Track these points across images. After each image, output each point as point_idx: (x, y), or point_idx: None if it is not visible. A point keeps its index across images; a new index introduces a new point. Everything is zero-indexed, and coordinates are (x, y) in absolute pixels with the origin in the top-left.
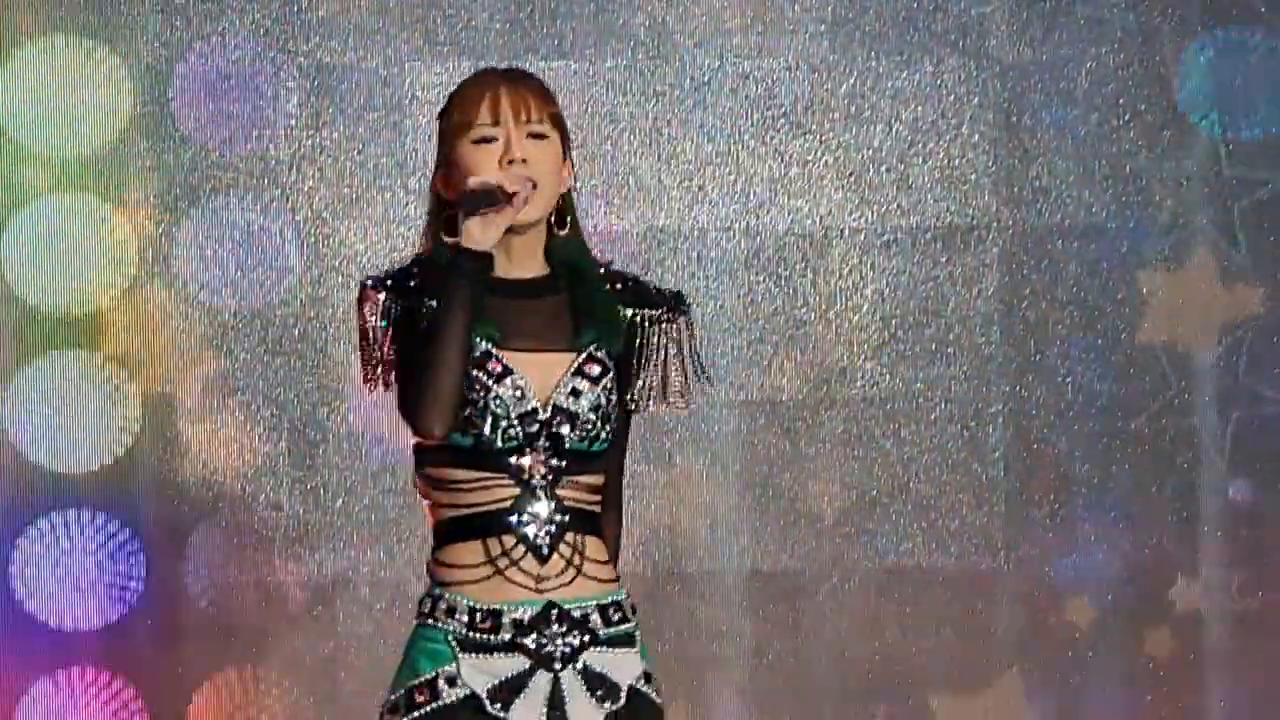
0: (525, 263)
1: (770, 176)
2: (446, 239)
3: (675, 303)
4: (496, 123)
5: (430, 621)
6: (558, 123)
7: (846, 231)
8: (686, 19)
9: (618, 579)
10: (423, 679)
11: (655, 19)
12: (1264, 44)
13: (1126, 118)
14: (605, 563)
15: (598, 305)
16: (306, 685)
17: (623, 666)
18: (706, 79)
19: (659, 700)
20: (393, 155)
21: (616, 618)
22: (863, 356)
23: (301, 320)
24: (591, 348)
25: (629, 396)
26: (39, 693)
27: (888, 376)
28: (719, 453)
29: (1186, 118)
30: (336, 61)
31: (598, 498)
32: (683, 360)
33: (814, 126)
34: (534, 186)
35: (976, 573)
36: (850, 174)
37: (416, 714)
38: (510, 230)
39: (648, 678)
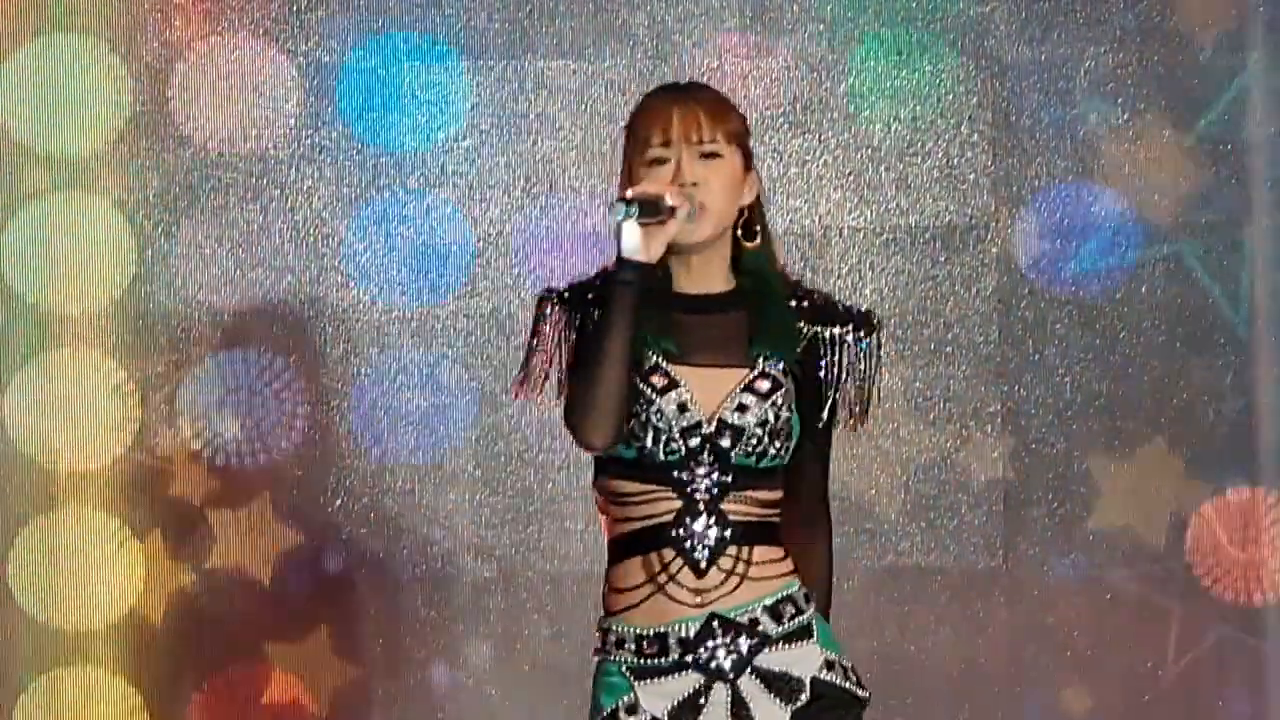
0: (706, 278)
1: (769, 176)
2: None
3: (861, 321)
4: (668, 144)
5: (606, 655)
6: (735, 139)
7: (845, 231)
8: (686, 19)
9: (792, 571)
10: (605, 713)
11: (655, 18)
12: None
13: (1126, 118)
14: (777, 561)
15: (776, 321)
16: (307, 685)
17: (802, 660)
18: (705, 78)
19: (847, 684)
20: (392, 155)
21: (789, 612)
22: None
23: (302, 320)
24: (764, 363)
25: (817, 414)
26: (39, 692)
27: (886, 376)
28: None
29: (1185, 117)
30: (336, 61)
31: (772, 511)
32: (864, 380)
33: (813, 126)
34: (702, 208)
35: (975, 572)
36: (849, 173)
37: None
38: (687, 248)
39: (829, 665)
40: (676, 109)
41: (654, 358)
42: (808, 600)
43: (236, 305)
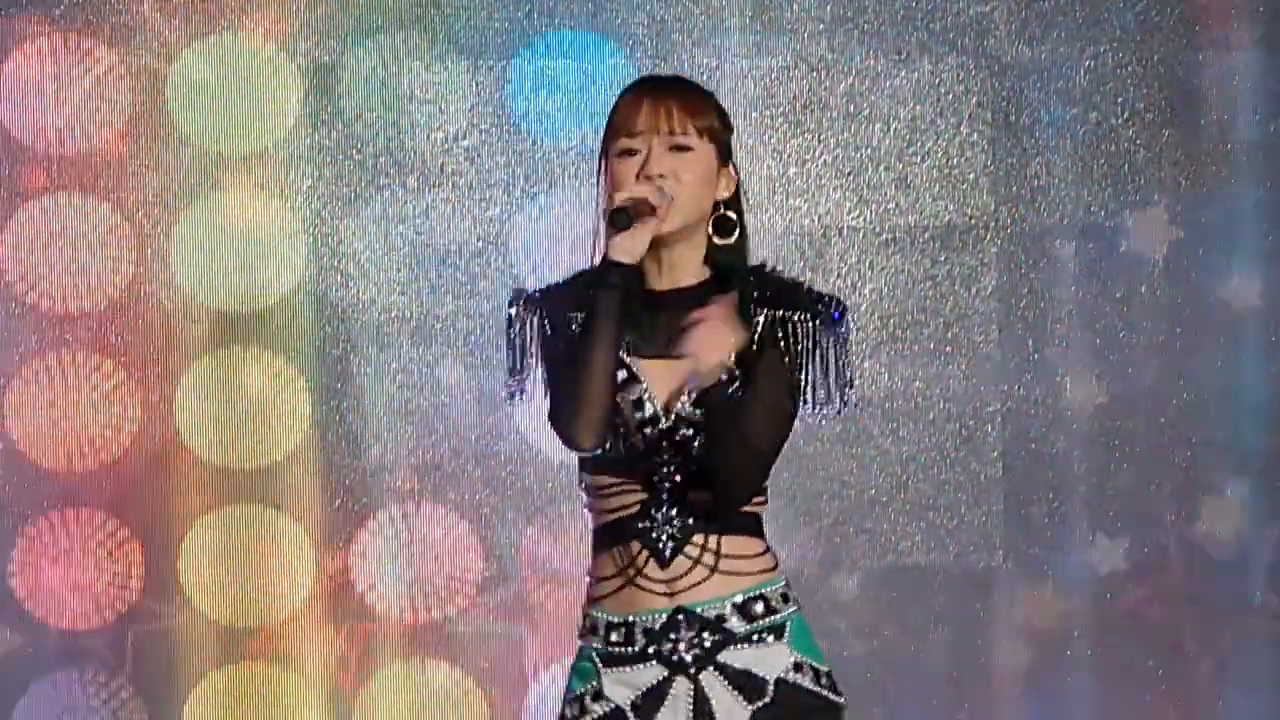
0: (675, 272)
1: (769, 175)
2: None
3: (822, 307)
4: (636, 134)
5: (582, 641)
6: (708, 133)
7: (845, 230)
8: (685, 18)
9: (772, 569)
10: (573, 695)
11: (654, 18)
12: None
13: (1125, 117)
14: (754, 556)
15: (737, 311)
16: (307, 685)
17: (767, 660)
18: (705, 78)
19: (817, 687)
20: (392, 155)
21: (759, 610)
22: (861, 355)
23: (301, 320)
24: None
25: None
26: (39, 693)
27: (886, 375)
28: None
29: (1185, 117)
30: (336, 61)
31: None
32: (824, 364)
33: (812, 125)
34: (669, 201)
35: (975, 571)
36: (849, 173)
37: None
38: (657, 241)
39: (799, 667)
40: (648, 100)
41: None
42: (786, 600)
43: (236, 305)
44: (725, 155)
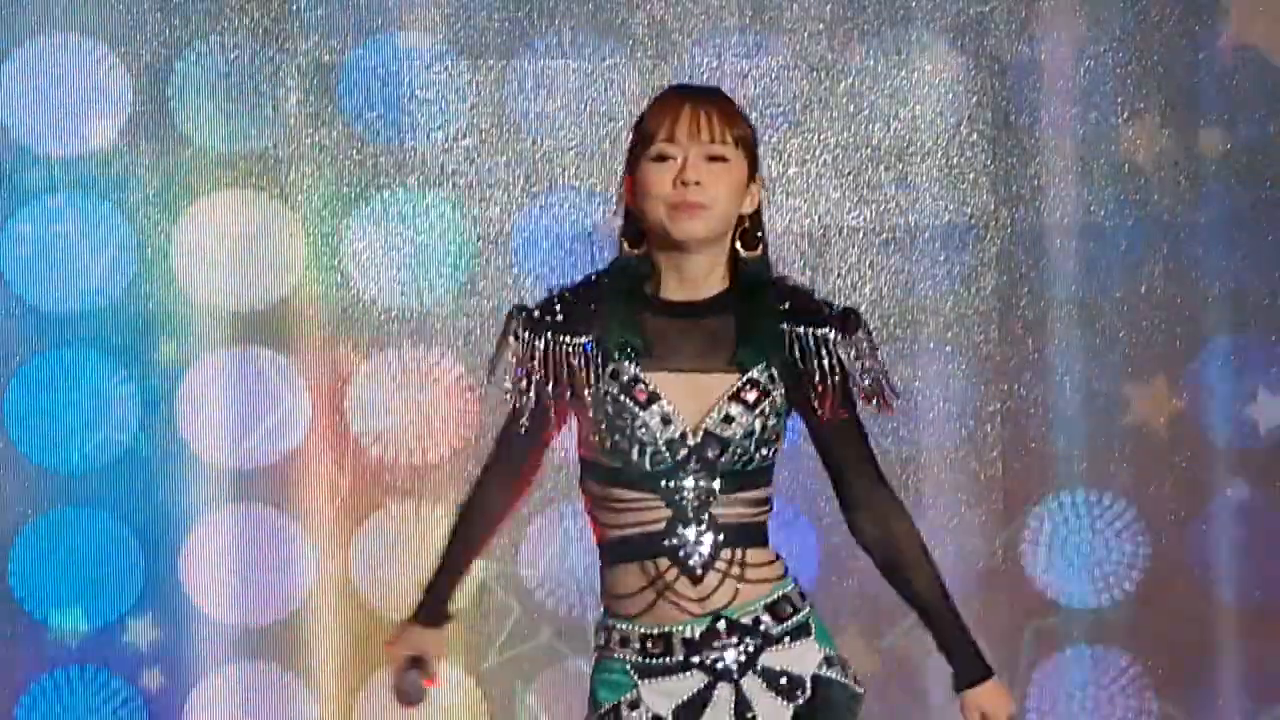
0: (697, 282)
1: (768, 175)
2: (629, 249)
3: (842, 319)
4: (675, 140)
5: (607, 653)
6: (743, 144)
7: (845, 230)
8: (685, 17)
9: (784, 573)
10: (606, 708)
11: (654, 17)
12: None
13: (1125, 117)
14: (769, 563)
15: (761, 325)
16: (307, 685)
17: (803, 658)
18: (705, 77)
19: (845, 679)
20: (392, 155)
21: (788, 611)
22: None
23: (302, 320)
24: (750, 370)
25: (816, 412)
26: (39, 693)
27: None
28: None
29: (1185, 117)
30: (336, 61)
31: (762, 510)
32: (854, 375)
33: (812, 125)
34: (701, 207)
35: (975, 571)
36: (848, 173)
37: None
38: (681, 249)
39: (829, 661)
40: (688, 106)
41: (631, 369)
42: (802, 598)
43: (236, 305)
44: (755, 168)
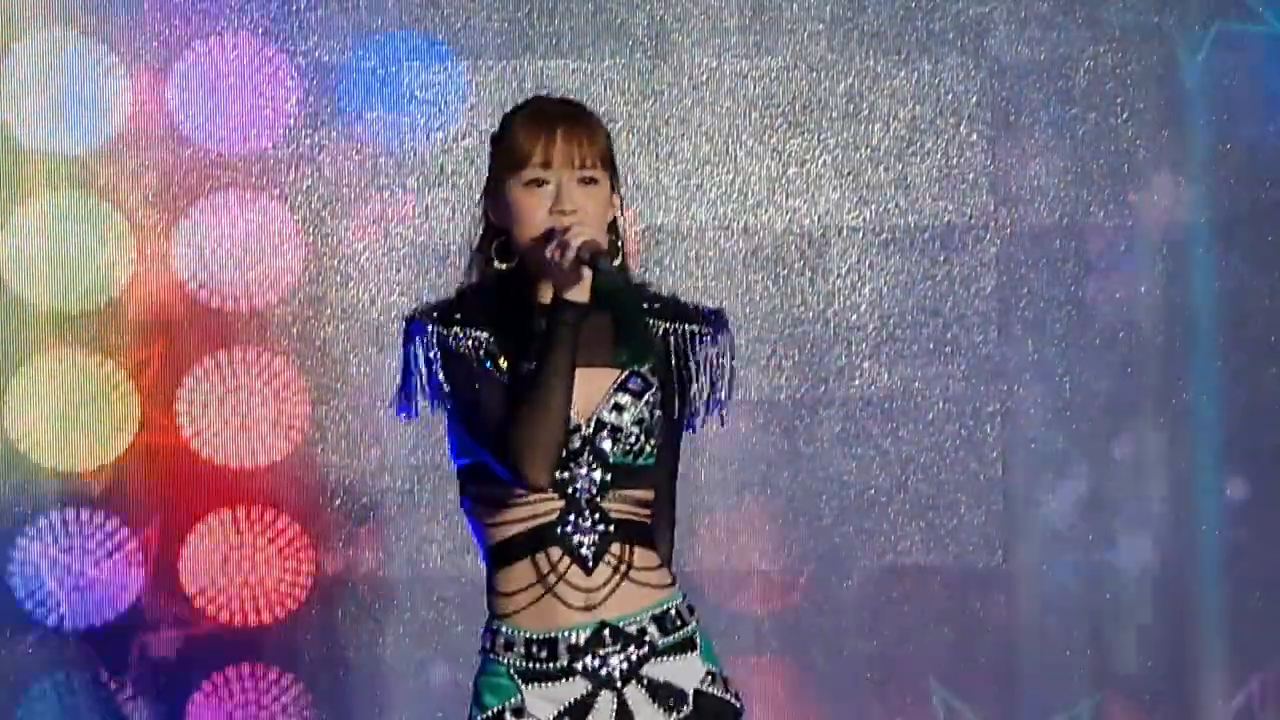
0: (568, 294)
1: (768, 175)
2: (499, 264)
3: (713, 320)
4: (549, 166)
5: (491, 656)
6: (607, 162)
7: (844, 230)
8: (685, 18)
9: (672, 583)
10: (490, 713)
11: (653, 18)
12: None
13: (1125, 117)
14: (656, 569)
15: (636, 323)
16: (307, 685)
17: (686, 672)
18: (704, 78)
19: (727, 696)
20: (392, 155)
21: (674, 624)
22: (861, 355)
23: (301, 320)
24: (633, 364)
25: (674, 412)
26: (39, 693)
27: (886, 375)
28: (717, 452)
29: (1185, 117)
30: (336, 61)
31: (647, 511)
32: (722, 376)
33: (812, 125)
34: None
35: (974, 571)
36: (848, 173)
37: None
38: (550, 269)
39: (712, 677)
40: (561, 130)
41: (525, 365)
42: (690, 612)
43: (236, 305)
44: (616, 180)
